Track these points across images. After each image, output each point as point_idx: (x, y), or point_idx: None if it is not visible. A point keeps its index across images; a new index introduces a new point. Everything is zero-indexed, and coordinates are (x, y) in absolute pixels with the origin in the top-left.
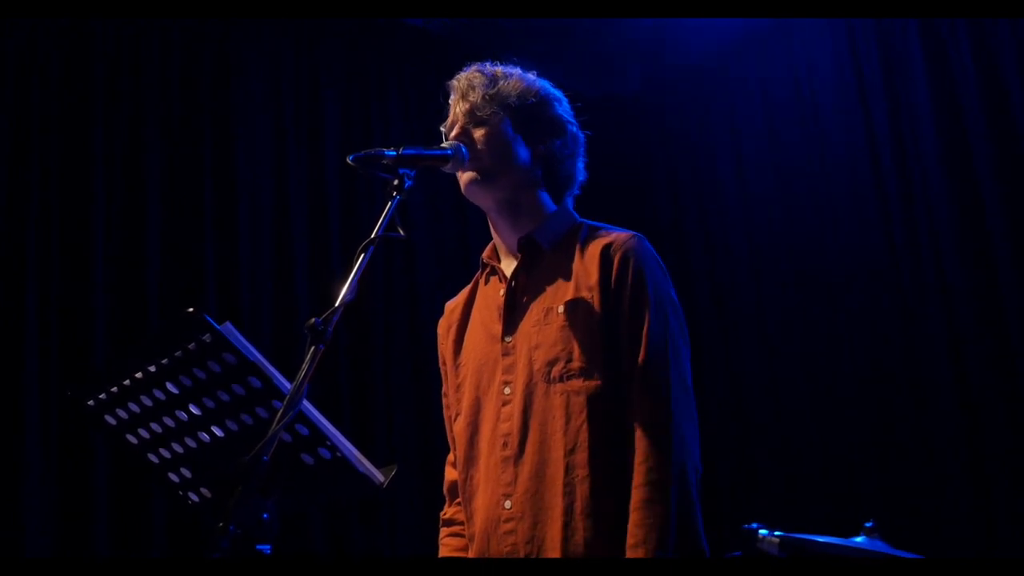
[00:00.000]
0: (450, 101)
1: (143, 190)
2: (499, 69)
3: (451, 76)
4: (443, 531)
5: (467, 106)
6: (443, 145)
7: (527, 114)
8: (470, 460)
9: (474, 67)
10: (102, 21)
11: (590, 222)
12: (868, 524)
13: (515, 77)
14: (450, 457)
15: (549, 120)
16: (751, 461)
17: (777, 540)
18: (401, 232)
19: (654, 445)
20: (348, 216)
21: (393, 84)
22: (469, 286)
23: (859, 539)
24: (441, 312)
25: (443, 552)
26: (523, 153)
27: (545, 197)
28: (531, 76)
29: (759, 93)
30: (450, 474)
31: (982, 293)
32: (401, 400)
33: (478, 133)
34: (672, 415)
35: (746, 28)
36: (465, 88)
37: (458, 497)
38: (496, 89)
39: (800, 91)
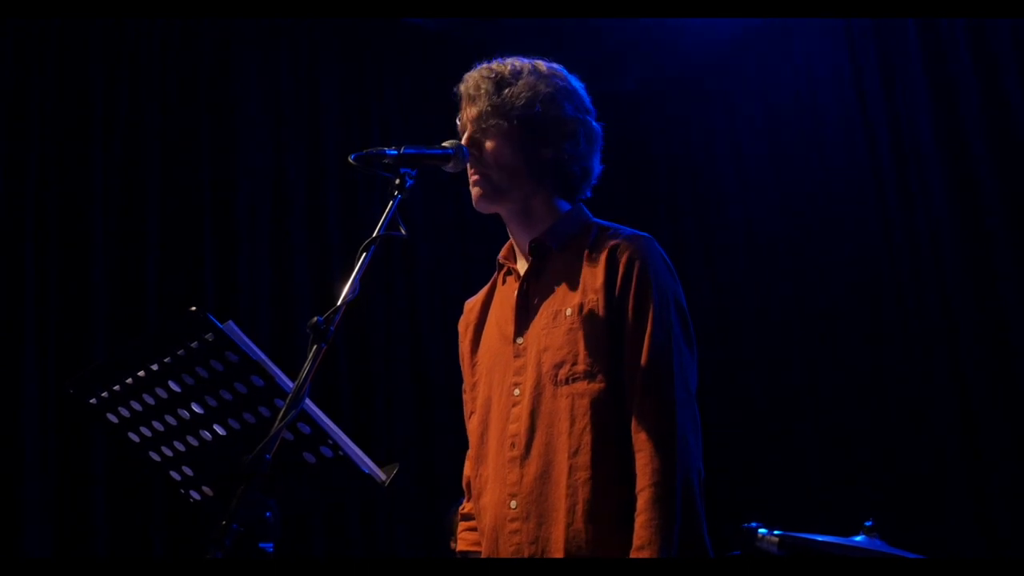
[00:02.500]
0: (459, 101)
1: (142, 189)
2: (507, 68)
3: (450, 74)
4: (462, 525)
5: (474, 113)
6: (444, 144)
7: (534, 122)
8: (480, 458)
9: (481, 68)
10: (102, 20)
11: (602, 222)
12: (868, 523)
13: (522, 80)
14: (470, 452)
15: (558, 123)
16: (750, 460)
17: (776, 539)
18: (403, 231)
19: (658, 449)
20: (347, 213)
21: (391, 83)
22: (488, 285)
23: (859, 538)
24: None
25: (461, 546)
26: (531, 162)
27: (558, 199)
28: (539, 73)
29: (758, 93)
30: (469, 469)
31: (981, 293)
32: (400, 399)
33: (486, 144)
34: (675, 418)
35: (746, 28)
36: (472, 93)
37: None
38: (501, 98)
39: (799, 91)
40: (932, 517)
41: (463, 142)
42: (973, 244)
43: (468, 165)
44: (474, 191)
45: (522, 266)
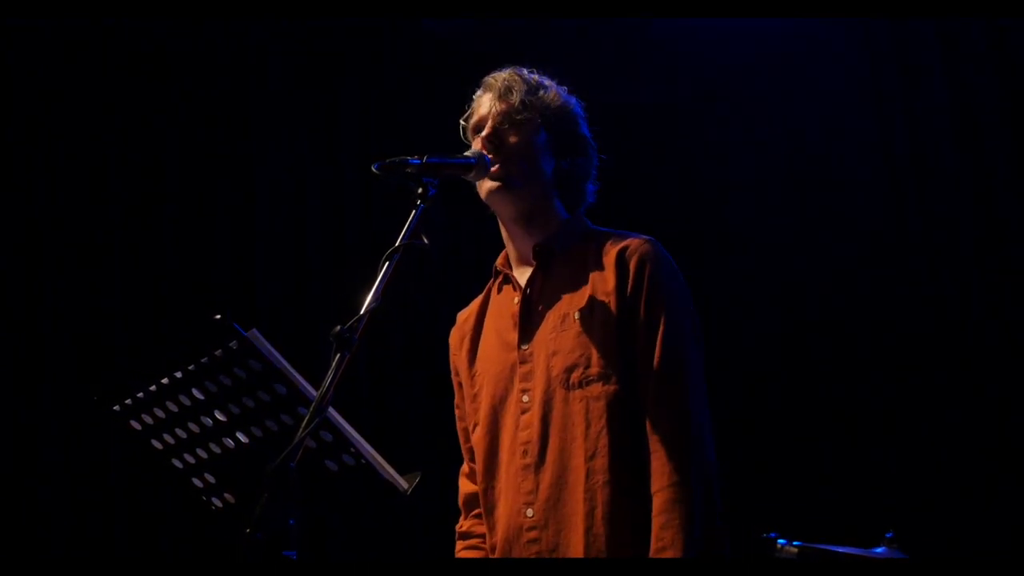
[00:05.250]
0: (478, 97)
1: (160, 196)
2: (536, 77)
3: (468, 82)
4: (459, 544)
5: (503, 106)
6: (466, 153)
7: (561, 129)
8: (490, 470)
9: (511, 69)
10: (116, 21)
11: (603, 228)
12: (888, 535)
13: (554, 89)
14: (464, 468)
15: (578, 138)
16: (768, 469)
17: (795, 550)
18: (425, 240)
19: (674, 449)
20: (367, 221)
21: (405, 86)
22: (481, 295)
23: (879, 550)
24: (454, 319)
25: None
26: (548, 166)
27: (560, 207)
28: (565, 91)
29: (777, 95)
30: (465, 486)
31: (1004, 304)
32: (422, 408)
33: (511, 137)
34: (690, 418)
35: (763, 32)
36: (503, 88)
37: (474, 509)
38: (537, 96)
39: (816, 102)
40: (954, 529)
41: (484, 134)
42: (993, 254)
43: (488, 159)
44: (491, 183)
45: (520, 273)
